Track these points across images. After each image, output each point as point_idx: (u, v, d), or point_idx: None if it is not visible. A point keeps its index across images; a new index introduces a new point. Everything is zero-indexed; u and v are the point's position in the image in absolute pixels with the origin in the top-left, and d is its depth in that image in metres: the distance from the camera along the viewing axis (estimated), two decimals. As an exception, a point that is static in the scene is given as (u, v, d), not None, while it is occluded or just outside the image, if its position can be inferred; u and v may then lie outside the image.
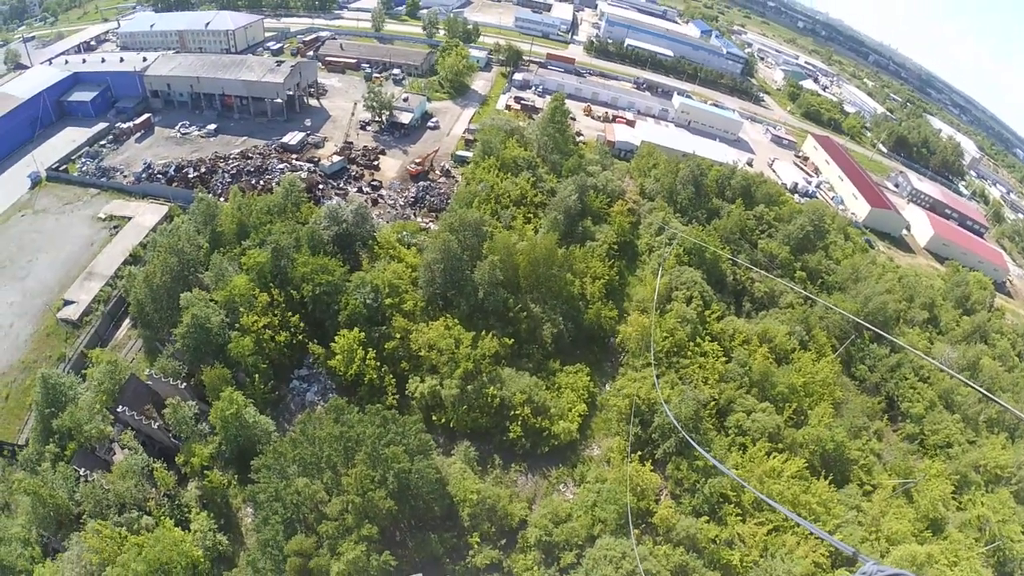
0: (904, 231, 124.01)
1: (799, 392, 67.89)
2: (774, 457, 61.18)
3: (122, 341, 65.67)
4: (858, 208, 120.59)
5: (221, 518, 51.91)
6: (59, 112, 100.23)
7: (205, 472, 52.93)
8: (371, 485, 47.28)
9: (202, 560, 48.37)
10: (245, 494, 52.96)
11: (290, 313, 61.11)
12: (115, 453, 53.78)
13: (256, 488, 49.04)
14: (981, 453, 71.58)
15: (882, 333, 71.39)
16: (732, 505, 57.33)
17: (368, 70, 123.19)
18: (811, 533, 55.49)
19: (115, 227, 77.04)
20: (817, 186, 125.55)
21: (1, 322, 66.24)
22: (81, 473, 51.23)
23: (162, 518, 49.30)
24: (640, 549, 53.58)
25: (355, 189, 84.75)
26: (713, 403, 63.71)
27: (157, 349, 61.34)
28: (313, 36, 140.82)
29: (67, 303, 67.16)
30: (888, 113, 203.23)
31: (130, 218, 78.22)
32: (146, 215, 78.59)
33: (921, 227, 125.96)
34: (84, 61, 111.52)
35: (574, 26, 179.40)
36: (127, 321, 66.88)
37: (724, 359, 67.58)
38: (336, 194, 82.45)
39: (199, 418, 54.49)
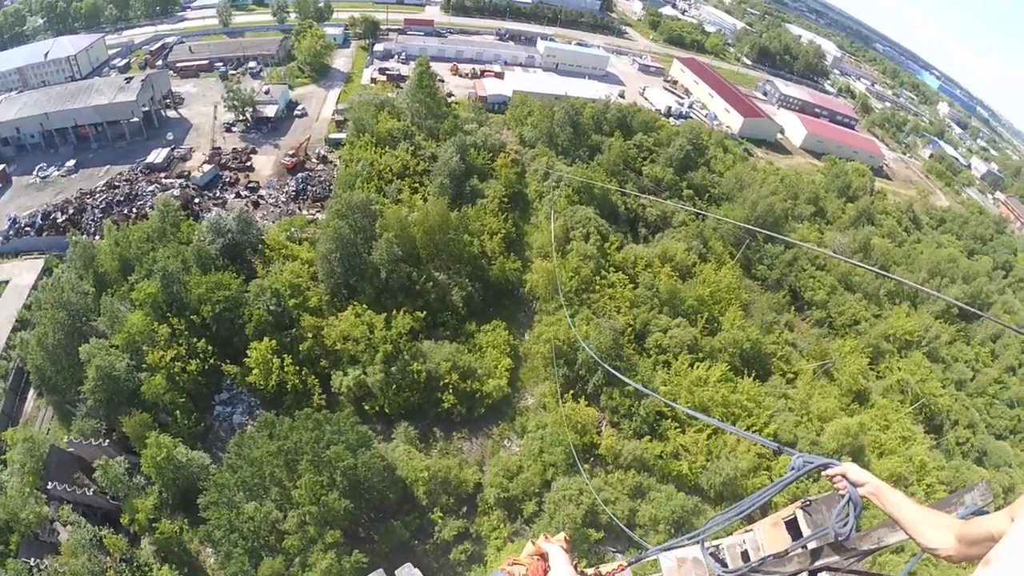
0: (779, 135, 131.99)
1: (708, 302, 71.84)
2: (697, 367, 64.91)
3: (32, 414, 60.59)
4: (732, 121, 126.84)
5: (184, 566, 50.04)
6: None
7: (154, 525, 50.64)
8: (322, 490, 46.57)
9: None
10: (200, 535, 51.05)
11: (195, 339, 57.86)
12: (59, 533, 50.47)
13: (209, 526, 47.29)
14: (888, 324, 79.03)
15: (773, 235, 76.20)
16: (669, 420, 60.57)
17: (223, 69, 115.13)
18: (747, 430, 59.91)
19: None
20: (690, 107, 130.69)
21: None
22: (32, 564, 47.84)
23: None
24: (595, 482, 55.98)
25: (233, 195, 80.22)
26: (630, 329, 66.32)
27: (70, 412, 57.16)
28: (159, 44, 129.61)
29: None
30: (748, 27, 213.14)
31: (7, 281, 70.84)
32: (23, 274, 71.43)
33: (794, 129, 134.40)
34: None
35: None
36: (32, 392, 61.65)
37: (631, 286, 70.25)
38: (214, 205, 77.76)
39: (132, 472, 51.59)
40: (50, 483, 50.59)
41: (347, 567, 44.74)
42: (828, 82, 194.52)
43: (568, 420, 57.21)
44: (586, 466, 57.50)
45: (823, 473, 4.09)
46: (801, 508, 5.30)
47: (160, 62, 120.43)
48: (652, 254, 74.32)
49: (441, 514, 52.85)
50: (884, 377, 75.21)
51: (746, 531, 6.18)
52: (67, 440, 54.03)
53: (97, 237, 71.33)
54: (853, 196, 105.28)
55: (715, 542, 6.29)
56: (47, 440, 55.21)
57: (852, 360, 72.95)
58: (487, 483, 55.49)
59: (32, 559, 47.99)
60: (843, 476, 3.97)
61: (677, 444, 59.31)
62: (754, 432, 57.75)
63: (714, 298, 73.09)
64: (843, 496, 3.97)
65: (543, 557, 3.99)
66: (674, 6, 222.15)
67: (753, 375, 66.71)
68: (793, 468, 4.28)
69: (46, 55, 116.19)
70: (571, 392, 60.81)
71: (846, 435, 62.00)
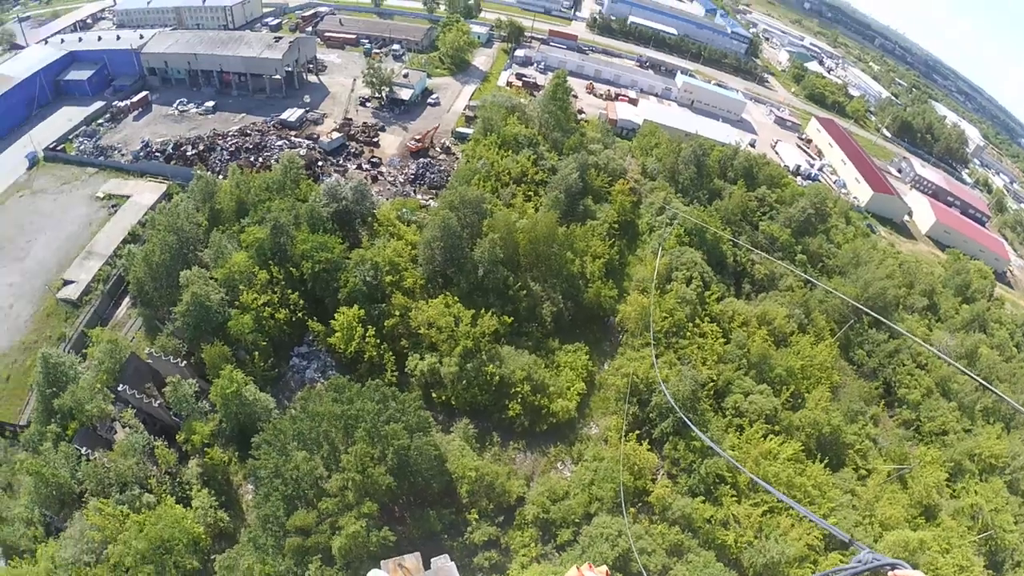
0: (906, 217, 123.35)
1: (797, 375, 67.98)
2: (770, 439, 61.51)
3: (122, 320, 65.46)
4: (860, 192, 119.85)
5: (222, 495, 52.14)
6: (56, 92, 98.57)
7: (206, 450, 53.02)
8: (371, 462, 47.27)
9: (203, 537, 48.72)
10: (246, 471, 53.23)
11: (290, 291, 60.75)
12: (116, 432, 53.74)
13: (256, 464, 49.04)
14: (976, 442, 71.82)
15: (881, 319, 71.05)
16: (728, 486, 57.70)
17: (368, 46, 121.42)
18: (805, 516, 56.15)
19: (113, 206, 76.42)
20: (820, 169, 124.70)
21: (1, 303, 65.95)
22: (83, 452, 51.22)
23: (164, 496, 49.56)
24: (636, 528, 54.12)
25: (354, 166, 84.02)
26: (711, 384, 63.84)
27: (157, 328, 61.00)
28: (312, 11, 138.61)
29: (66, 283, 66.79)
30: (893, 97, 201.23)
31: (128, 197, 77.49)
32: (144, 194, 77.80)
33: (923, 213, 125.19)
34: (80, 40, 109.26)
35: (577, 2, 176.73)
36: (127, 300, 66.59)
37: (723, 340, 67.57)
38: (335, 171, 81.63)
39: (199, 396, 54.35)
40: (122, 386, 53.98)
41: (374, 540, 44.94)
42: (966, 171, 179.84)
43: (626, 459, 55.63)
44: (632, 510, 55.75)
45: (891, 574, 3.86)
46: None
47: (310, 28, 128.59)
48: (751, 313, 71.22)
49: (477, 517, 52.69)
50: (958, 497, 68.19)
51: None
52: (148, 352, 57.40)
53: (221, 176, 76.38)
54: (970, 297, 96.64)
55: None
56: (130, 347, 59.43)
57: (930, 472, 66.72)
58: (530, 499, 54.87)
59: (85, 448, 51.33)
60: None
61: (729, 513, 56.37)
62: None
63: (804, 372, 69.09)
64: None
65: None
66: (821, 63, 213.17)
67: (825, 462, 62.48)
68: (860, 561, 4.07)
69: (204, 1, 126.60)
70: (636, 432, 59.19)
71: (904, 548, 56.65)
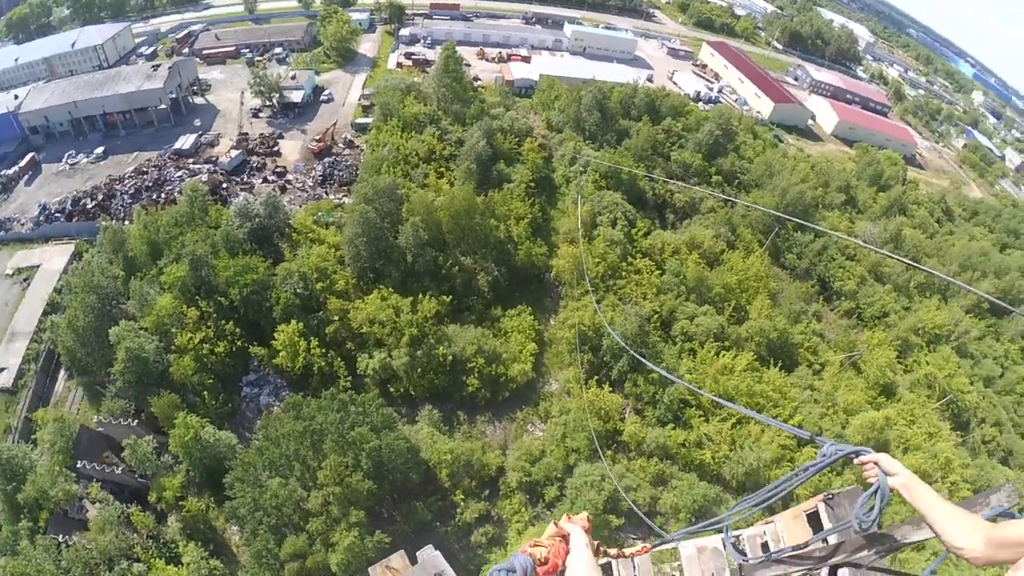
0: (810, 121, 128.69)
1: (735, 290, 70.72)
2: (723, 356, 64.10)
3: (62, 395, 62.60)
4: (762, 106, 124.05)
5: (210, 543, 51.21)
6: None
7: (181, 503, 51.82)
8: (346, 471, 47.10)
9: None
10: (226, 513, 52.16)
11: (223, 321, 58.83)
12: (87, 510, 51.91)
13: (235, 504, 48.21)
14: (918, 317, 76.87)
15: (803, 223, 74.41)
16: (694, 408, 60.01)
17: (249, 55, 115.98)
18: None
19: (25, 279, 72.02)
20: (719, 91, 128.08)
21: None
22: (61, 540, 49.33)
23: (152, 561, 48.36)
24: (617, 468, 55.80)
25: (260, 180, 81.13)
26: (656, 315, 65.67)
27: (99, 393, 58.69)
28: (185, 32, 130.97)
29: None
30: (779, 11, 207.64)
31: (38, 266, 73.08)
32: (54, 259, 73.50)
33: (826, 115, 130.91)
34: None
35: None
36: (62, 373, 63.51)
37: (658, 273, 69.44)
38: (242, 190, 78.79)
39: (160, 451, 52.86)
40: (79, 462, 52.02)
41: (369, 546, 45.13)
42: (860, 68, 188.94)
43: (592, 406, 56.97)
44: (609, 452, 57.32)
45: (855, 460, 3.93)
46: (823, 501, 5.25)
47: (187, 49, 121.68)
48: (680, 241, 73.32)
49: (463, 496, 53.19)
50: (911, 371, 73.47)
51: (767, 523, 6.11)
52: (96, 420, 55.33)
53: (126, 222, 72.72)
54: (885, 185, 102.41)
55: (736, 532, 6.19)
56: (77, 420, 56.88)
57: (880, 353, 71.28)
58: (509, 467, 55.65)
59: (61, 535, 49.32)
60: (875, 464, 3.81)
61: (701, 433, 58.79)
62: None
63: (742, 286, 71.91)
64: (871, 485, 3.81)
65: (564, 538, 3.81)
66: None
67: (779, 365, 65.63)
68: (824, 455, 4.12)
69: (73, 45, 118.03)
70: (595, 378, 60.58)
71: (872, 429, 60.83)
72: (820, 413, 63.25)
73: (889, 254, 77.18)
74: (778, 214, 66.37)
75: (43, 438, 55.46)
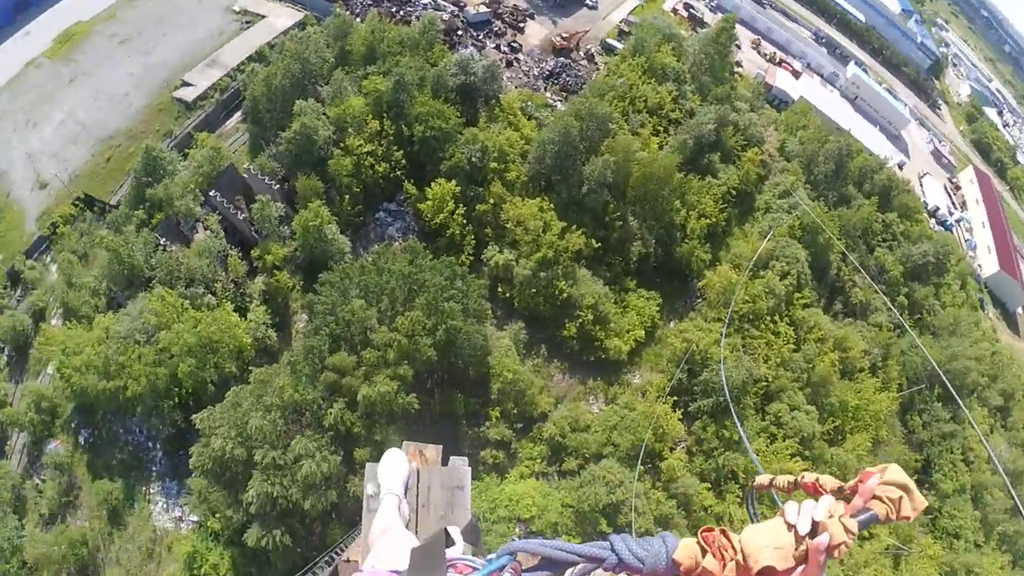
0: (1020, 309, 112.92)
1: (848, 412, 64.88)
2: (795, 461, 59.95)
3: (229, 132, 67.62)
4: (987, 263, 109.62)
5: (276, 316, 54.87)
6: None
7: (274, 271, 55.40)
8: (421, 331, 48.38)
9: (249, 348, 51.53)
10: (304, 301, 55.71)
11: (395, 148, 60.66)
12: (197, 232, 56.48)
13: (316, 299, 51.04)
14: (980, 560, 68.13)
15: (956, 396, 66.82)
16: (737, 485, 57.14)
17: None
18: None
19: (247, 22, 76.91)
20: (957, 220, 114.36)
21: (117, 89, 68.82)
22: (161, 242, 54.14)
23: (224, 301, 52.10)
24: (638, 485, 54.61)
25: (493, 45, 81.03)
26: (763, 384, 61.84)
27: (261, 147, 62.74)
28: None
29: (185, 84, 68.70)
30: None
31: (264, 16, 77.53)
32: (280, 17, 77.65)
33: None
34: None
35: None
36: (238, 114, 68.24)
37: (792, 347, 64.70)
38: (473, 44, 79.02)
39: (283, 221, 56.23)
40: (213, 191, 56.01)
41: (399, 401, 46.66)
42: None
43: (656, 419, 55.33)
44: (641, 468, 56.07)
45: None
46: None
47: None
48: (831, 332, 67.59)
49: (499, 415, 53.94)
50: None
51: None
52: (246, 167, 59.61)
53: (358, 19, 74.85)
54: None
55: None
56: (230, 158, 61.54)
57: (925, 566, 63.47)
58: (552, 419, 55.69)
59: (164, 239, 54.47)
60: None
61: (728, 511, 56.41)
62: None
63: (856, 414, 65.83)
64: None
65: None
66: (1000, 113, 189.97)
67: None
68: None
69: None
70: (674, 399, 58.49)
71: None
72: (836, 573, 58.44)
73: (1008, 484, 68.49)
74: (939, 370, 60.21)
75: (195, 157, 60.04)
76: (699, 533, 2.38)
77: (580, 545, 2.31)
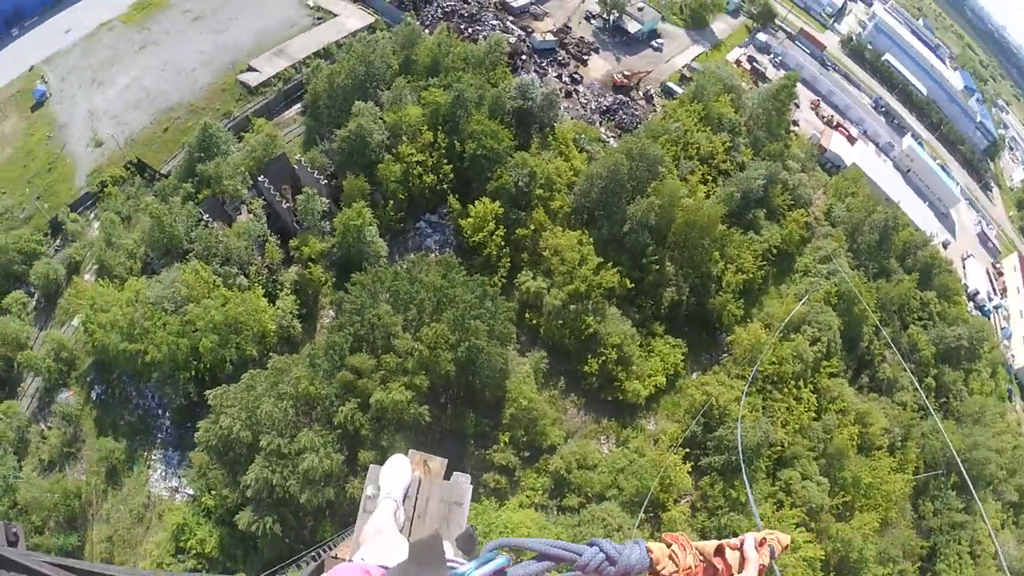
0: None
1: (860, 489, 63.54)
2: (800, 532, 58.64)
3: (287, 122, 69.60)
4: (1020, 354, 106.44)
5: (304, 308, 55.67)
6: None
7: (309, 264, 56.39)
8: (444, 345, 48.76)
9: (272, 334, 52.35)
10: (334, 297, 56.53)
11: (446, 161, 61.84)
12: (240, 213, 58.06)
13: (345, 297, 51.92)
14: None
15: (971, 486, 65.13)
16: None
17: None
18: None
19: (319, 18, 79.52)
20: (995, 307, 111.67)
21: (185, 64, 71.47)
22: (204, 218, 55.52)
23: (256, 285, 53.16)
24: (636, 533, 53.93)
25: (555, 74, 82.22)
26: (779, 448, 60.93)
27: (315, 141, 64.35)
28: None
29: (251, 69, 71.20)
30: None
31: (335, 15, 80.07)
32: (351, 18, 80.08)
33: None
34: None
35: (840, 13, 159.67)
36: (298, 106, 70.22)
37: (813, 415, 63.72)
38: (536, 71, 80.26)
39: (326, 216, 57.57)
40: (262, 176, 57.54)
41: (411, 411, 46.90)
42: None
43: (664, 468, 54.72)
44: (642, 516, 55.43)
45: None
46: None
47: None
48: (854, 406, 66.45)
49: (507, 441, 53.89)
50: None
51: None
52: (297, 159, 60.85)
53: (427, 31, 76.64)
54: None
55: None
56: (284, 147, 63.12)
57: None
58: (560, 453, 55.50)
59: (207, 215, 55.63)
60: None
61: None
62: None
63: (868, 492, 64.45)
64: None
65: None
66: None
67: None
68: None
69: None
70: (687, 450, 57.82)
71: None
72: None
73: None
74: (959, 459, 58.87)
75: (249, 140, 61.77)
76: (663, 536, 3.04)
77: (565, 542, 2.62)
